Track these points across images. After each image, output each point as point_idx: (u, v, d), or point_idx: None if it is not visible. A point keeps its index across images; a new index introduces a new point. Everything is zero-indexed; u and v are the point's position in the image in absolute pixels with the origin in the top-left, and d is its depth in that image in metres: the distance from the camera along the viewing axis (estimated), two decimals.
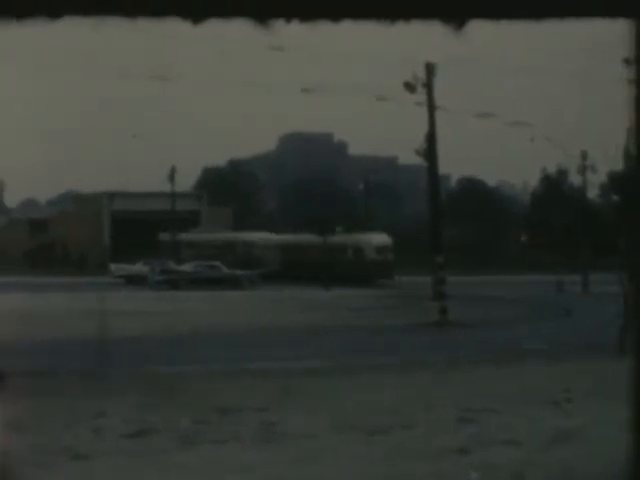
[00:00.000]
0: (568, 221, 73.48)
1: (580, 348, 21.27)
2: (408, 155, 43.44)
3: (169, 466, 9.10)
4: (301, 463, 9.15)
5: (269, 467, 9.03)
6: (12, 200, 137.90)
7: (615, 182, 77.90)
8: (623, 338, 19.44)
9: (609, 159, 60.00)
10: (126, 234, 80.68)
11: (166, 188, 75.14)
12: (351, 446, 10.01)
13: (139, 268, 61.35)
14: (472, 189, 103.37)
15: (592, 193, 63.23)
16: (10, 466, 8.60)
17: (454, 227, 75.44)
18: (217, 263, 56.84)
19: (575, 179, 73.07)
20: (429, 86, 34.53)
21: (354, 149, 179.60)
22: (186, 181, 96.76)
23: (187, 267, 56.89)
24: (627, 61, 3.01)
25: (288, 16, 2.50)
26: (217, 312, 35.62)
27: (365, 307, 38.62)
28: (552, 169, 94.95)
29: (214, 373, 17.24)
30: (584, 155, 57.86)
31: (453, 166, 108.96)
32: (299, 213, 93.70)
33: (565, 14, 2.61)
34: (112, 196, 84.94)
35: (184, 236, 74.33)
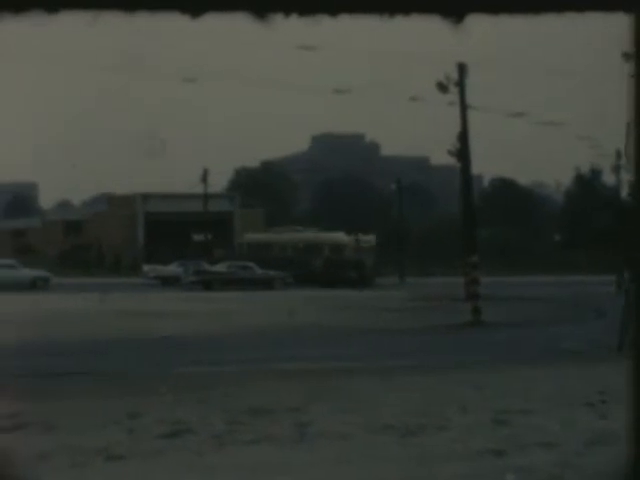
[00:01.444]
0: (604, 220, 73.00)
1: (615, 349, 21.06)
2: (440, 155, 43.34)
3: (204, 467, 9.11)
4: (336, 464, 9.12)
5: (304, 468, 9.01)
6: (47, 202, 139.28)
7: None
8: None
9: None
10: (160, 235, 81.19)
11: (199, 190, 75.47)
12: (385, 447, 9.97)
13: (172, 269, 61.71)
14: (505, 189, 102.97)
15: (627, 192, 62.81)
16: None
17: (487, 228, 75.16)
18: (250, 264, 56.95)
19: (609, 178, 72.61)
20: (461, 86, 34.43)
21: (386, 150, 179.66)
22: (219, 182, 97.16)
23: (220, 268, 57.07)
24: (626, 56, 3.00)
25: (286, 10, 2.49)
26: (249, 312, 35.72)
27: (395, 307, 38.57)
28: (585, 168, 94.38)
29: (245, 373, 17.25)
30: (618, 154, 57.41)
31: (486, 166, 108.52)
32: (331, 214, 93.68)
33: (564, 8, 2.58)
34: (146, 197, 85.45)
35: (255, 236, 69.08)
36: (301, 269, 58.02)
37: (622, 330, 19.53)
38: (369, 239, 62.97)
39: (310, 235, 65.41)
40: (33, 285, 52.57)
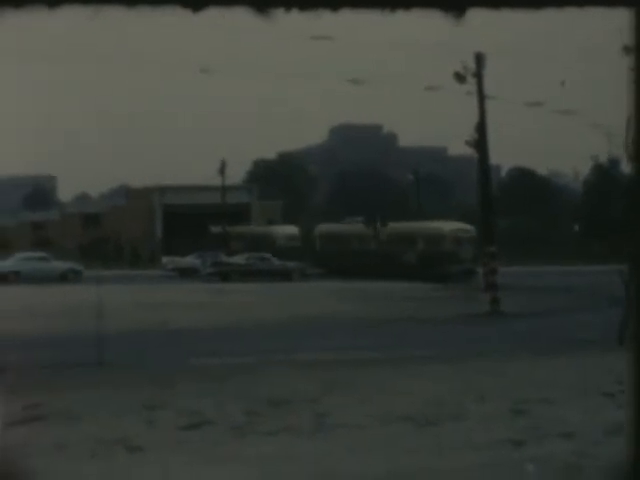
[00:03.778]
0: (622, 209, 72.61)
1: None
2: (458, 146, 43.14)
3: (224, 457, 9.14)
4: (354, 454, 9.13)
5: (322, 458, 9.02)
6: (65, 195, 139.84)
7: None
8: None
9: None
10: (178, 227, 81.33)
11: (217, 181, 75.51)
12: (403, 437, 9.97)
13: (191, 261, 61.83)
14: (523, 179, 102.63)
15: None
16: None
17: (506, 218, 74.86)
18: (268, 255, 56.93)
19: (627, 167, 72.20)
20: (479, 76, 34.27)
21: (404, 140, 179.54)
22: (237, 174, 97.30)
23: (238, 259, 57.11)
24: (627, 49, 2.98)
25: (287, 4, 2.48)
26: (267, 303, 35.73)
27: (415, 298, 38.52)
28: (603, 157, 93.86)
29: (262, 364, 17.28)
30: (634, 142, 56.97)
31: (503, 156, 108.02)
32: (349, 205, 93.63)
33: (565, 3, 2.57)
34: (164, 190, 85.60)
35: (329, 227, 63.60)
36: (388, 263, 53.12)
37: (622, 324, 19.41)
38: (469, 229, 54.85)
39: (402, 225, 57.98)
40: (64, 277, 53.06)
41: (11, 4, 2.32)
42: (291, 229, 72.87)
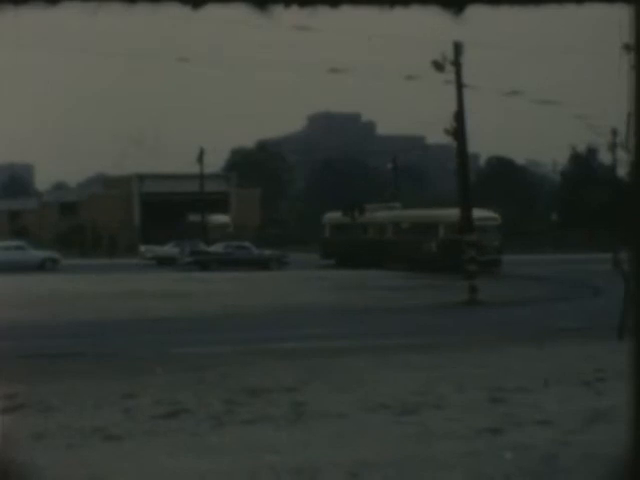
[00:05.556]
0: (600, 198, 72.99)
1: (612, 328, 21.07)
2: (436, 134, 43.13)
3: (201, 447, 9.10)
4: (333, 443, 9.12)
5: (301, 447, 9.01)
6: (43, 184, 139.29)
7: None
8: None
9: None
10: (156, 216, 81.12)
11: (195, 170, 75.31)
12: (381, 426, 9.97)
13: (169, 249, 61.70)
14: (501, 168, 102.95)
15: (623, 171, 62.78)
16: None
17: (484, 207, 74.91)
18: (246, 244, 56.82)
19: (605, 157, 72.63)
20: (457, 65, 34.30)
21: (382, 129, 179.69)
22: (215, 163, 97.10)
23: (217, 248, 57.02)
24: (627, 47, 2.97)
25: (287, 0, 2.47)
26: (245, 292, 35.71)
27: (393, 287, 38.57)
28: (582, 147, 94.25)
29: (241, 353, 17.27)
30: (614, 132, 57.28)
31: (482, 145, 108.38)
32: (327, 193, 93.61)
33: None
34: (142, 178, 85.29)
35: (338, 216, 58.85)
36: (407, 253, 51.11)
37: (622, 314, 19.40)
38: (494, 216, 51.49)
39: (420, 212, 54.89)
40: (42, 266, 52.80)
41: (10, 0, 2.29)
42: (223, 218, 77.67)
